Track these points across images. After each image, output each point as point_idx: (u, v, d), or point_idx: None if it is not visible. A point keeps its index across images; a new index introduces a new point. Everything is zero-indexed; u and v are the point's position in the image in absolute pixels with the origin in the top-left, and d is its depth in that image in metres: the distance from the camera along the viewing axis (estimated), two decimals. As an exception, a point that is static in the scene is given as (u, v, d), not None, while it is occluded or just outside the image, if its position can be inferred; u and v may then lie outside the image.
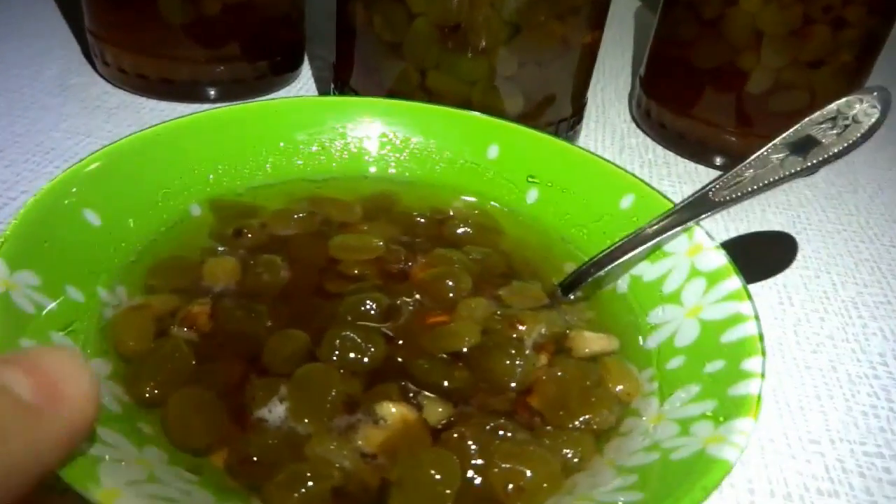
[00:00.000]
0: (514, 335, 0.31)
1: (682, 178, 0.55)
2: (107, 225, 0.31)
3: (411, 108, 0.41)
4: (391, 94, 0.46)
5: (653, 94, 0.58)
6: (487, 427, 0.26)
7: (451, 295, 0.33)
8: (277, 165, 0.39)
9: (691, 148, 0.56)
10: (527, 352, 0.30)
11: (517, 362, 0.29)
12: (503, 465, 0.25)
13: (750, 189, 0.34)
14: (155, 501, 0.20)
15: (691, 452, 0.24)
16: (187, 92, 0.52)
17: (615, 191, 0.37)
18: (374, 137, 0.40)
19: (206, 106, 0.33)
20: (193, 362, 0.27)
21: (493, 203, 0.40)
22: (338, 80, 0.51)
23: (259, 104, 0.38)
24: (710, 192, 0.34)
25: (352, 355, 0.28)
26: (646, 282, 0.34)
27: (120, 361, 0.27)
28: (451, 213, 0.39)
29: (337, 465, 0.24)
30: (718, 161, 0.56)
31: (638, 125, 0.61)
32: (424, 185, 0.40)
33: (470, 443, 0.25)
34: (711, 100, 0.54)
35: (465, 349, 0.30)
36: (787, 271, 0.45)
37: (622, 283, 0.35)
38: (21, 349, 0.18)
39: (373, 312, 0.31)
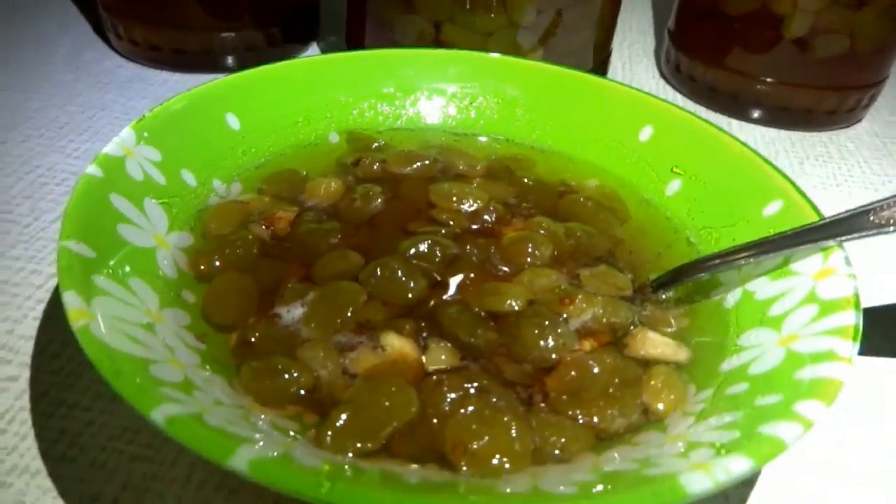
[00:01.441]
0: (564, 313, 0.28)
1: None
2: (245, 130, 0.35)
3: (569, 76, 0.39)
4: None
5: (682, 46, 0.54)
6: (471, 384, 0.24)
7: (526, 260, 0.31)
8: (424, 112, 0.40)
9: (724, 101, 0.52)
10: (559, 330, 0.27)
11: (547, 336, 0.26)
12: (462, 422, 0.23)
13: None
14: (121, 335, 0.22)
15: (661, 472, 0.19)
16: (199, 61, 0.52)
17: (762, 194, 0.31)
18: (524, 101, 0.39)
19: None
20: (255, 253, 0.30)
21: (629, 189, 0.36)
22: (350, 39, 0.49)
23: (415, 51, 0.40)
24: (871, 213, 0.27)
25: (388, 286, 0.28)
26: (757, 300, 0.28)
27: (201, 239, 0.31)
28: (577, 189, 0.36)
29: (315, 373, 0.25)
30: (755, 115, 0.51)
31: (667, 81, 0.58)
32: (564, 157, 0.38)
33: (445, 389, 0.24)
34: (744, 48, 0.50)
35: (504, 311, 0.28)
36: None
37: (731, 298, 0.29)
38: None
39: (433, 254, 0.30)
